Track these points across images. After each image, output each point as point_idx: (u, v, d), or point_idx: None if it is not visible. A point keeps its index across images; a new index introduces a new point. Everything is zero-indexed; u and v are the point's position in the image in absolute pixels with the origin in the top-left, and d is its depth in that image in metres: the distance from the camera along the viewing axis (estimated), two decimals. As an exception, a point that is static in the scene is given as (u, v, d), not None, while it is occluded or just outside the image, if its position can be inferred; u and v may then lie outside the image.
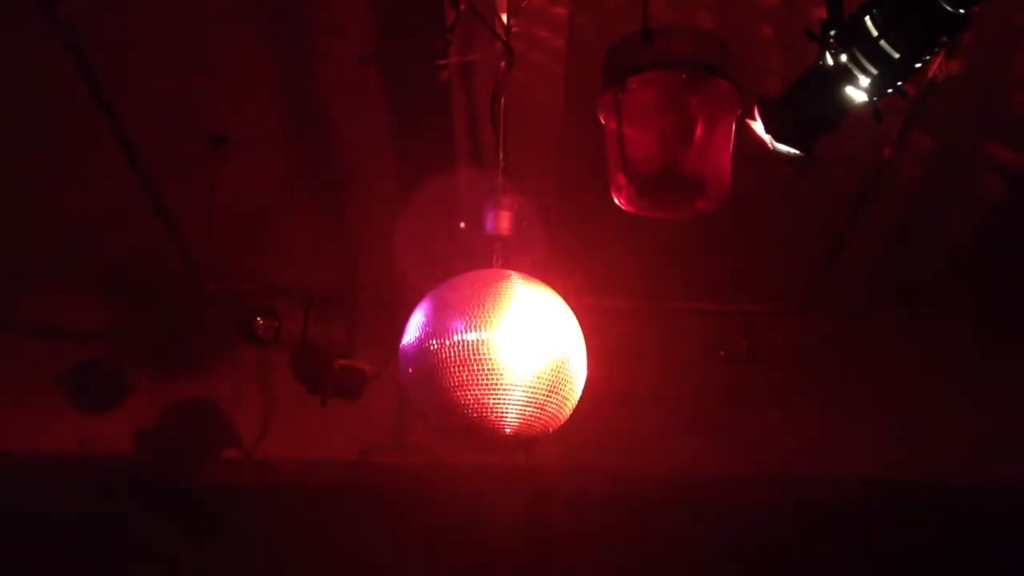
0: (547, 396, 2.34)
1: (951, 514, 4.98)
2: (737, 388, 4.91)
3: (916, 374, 4.95)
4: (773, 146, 2.23)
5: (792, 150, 2.22)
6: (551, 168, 3.72)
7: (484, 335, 2.30)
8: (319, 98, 3.54)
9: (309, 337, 4.66)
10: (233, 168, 3.80)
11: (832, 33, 2.04)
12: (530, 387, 2.31)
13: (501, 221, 2.58)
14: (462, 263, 2.51)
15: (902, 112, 3.20)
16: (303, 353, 4.66)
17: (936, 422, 4.91)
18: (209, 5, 3.13)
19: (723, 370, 4.80)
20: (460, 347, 2.29)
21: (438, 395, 2.31)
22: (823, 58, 2.06)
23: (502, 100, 2.72)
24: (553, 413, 2.37)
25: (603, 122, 2.56)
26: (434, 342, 2.32)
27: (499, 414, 2.30)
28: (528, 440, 2.39)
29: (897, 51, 1.96)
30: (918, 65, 1.99)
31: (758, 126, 2.23)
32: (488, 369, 2.28)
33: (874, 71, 2.00)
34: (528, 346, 2.32)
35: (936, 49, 1.98)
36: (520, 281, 2.43)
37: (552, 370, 2.34)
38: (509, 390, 2.29)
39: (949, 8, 1.90)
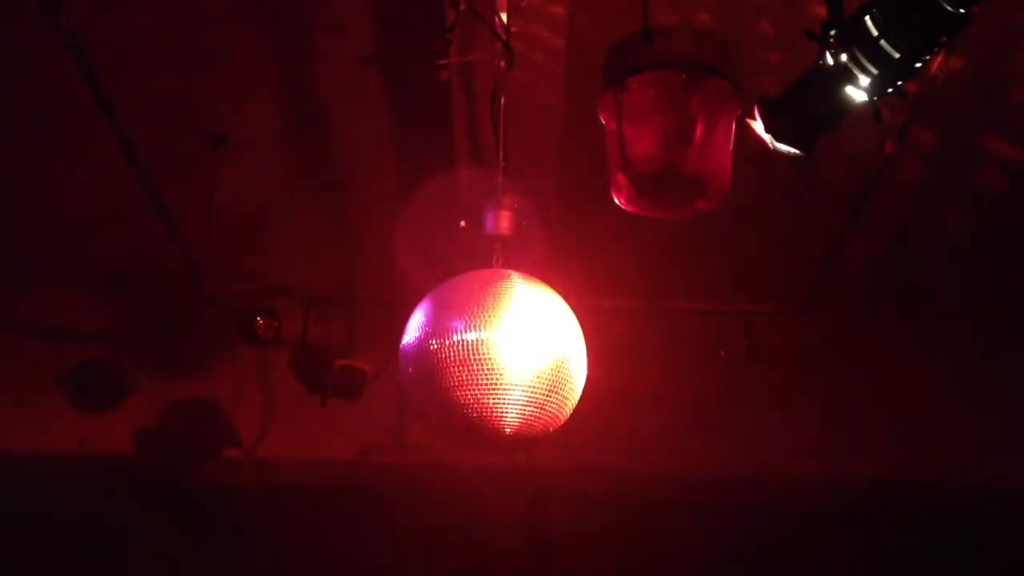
0: (547, 396, 2.34)
1: (951, 514, 4.98)
2: (737, 388, 4.91)
3: (916, 374, 4.95)
4: (773, 146, 2.23)
5: (792, 150, 2.22)
6: (551, 168, 3.73)
7: (484, 335, 2.30)
8: (319, 98, 3.55)
9: (309, 337, 4.66)
10: (233, 168, 3.80)
11: (832, 33, 2.04)
12: (530, 387, 2.31)
13: (501, 221, 2.58)
14: (462, 263, 2.51)
15: (904, 110, 3.20)
16: (303, 353, 4.66)
17: (936, 422, 4.91)
18: (209, 5, 3.14)
19: (723, 370, 4.80)
20: (460, 347, 2.29)
21: (438, 395, 2.31)
22: (823, 58, 2.06)
23: (502, 100, 2.72)
24: (553, 413, 2.37)
25: (603, 122, 2.56)
26: (434, 342, 2.32)
27: (499, 414, 2.30)
28: (528, 440, 2.39)
29: (897, 51, 1.97)
30: (918, 65, 1.99)
31: (758, 126, 2.23)
32: (488, 369, 2.28)
33: (874, 71, 2.00)
34: (528, 346, 2.32)
35: (936, 49, 1.98)
36: (520, 281, 2.43)
37: (552, 370, 2.34)
38: (509, 390, 2.29)
39: (949, 8, 1.90)
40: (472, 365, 2.28)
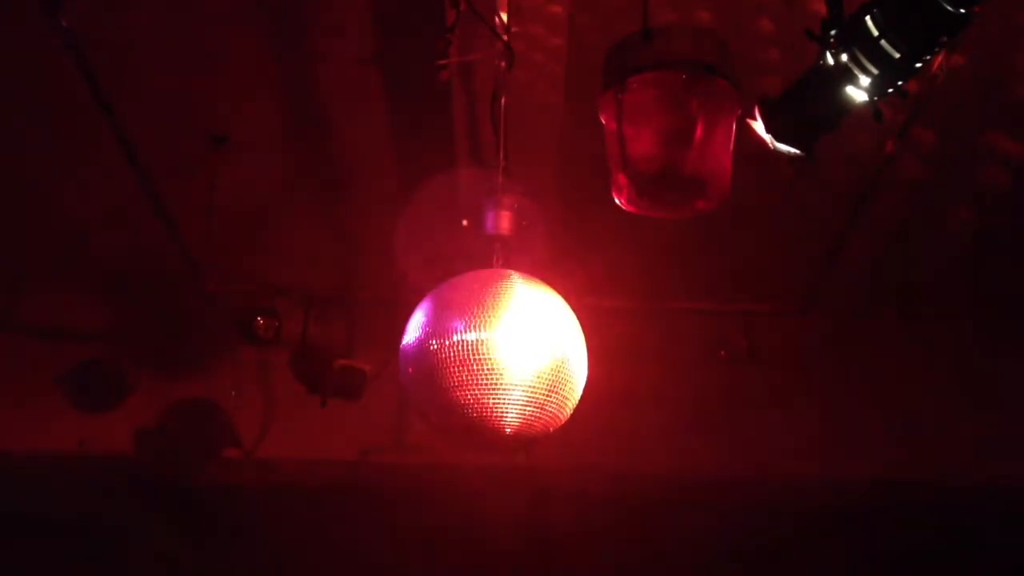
0: (547, 396, 2.34)
1: (951, 514, 4.98)
2: (737, 388, 4.91)
3: (916, 374, 4.95)
4: (773, 146, 2.23)
5: (792, 150, 2.22)
6: (551, 168, 3.73)
7: (484, 335, 2.30)
8: (319, 98, 3.54)
9: (309, 337, 4.66)
10: (233, 168, 3.80)
11: (832, 33, 2.04)
12: (530, 387, 2.31)
13: (501, 221, 2.58)
14: (462, 263, 2.51)
15: (905, 109, 3.20)
16: (303, 353, 4.66)
17: (936, 422, 4.90)
18: (209, 5, 3.13)
19: (723, 370, 4.80)
20: (460, 347, 2.29)
21: (438, 395, 2.31)
22: (823, 58, 2.06)
23: (502, 100, 2.72)
24: (553, 413, 2.37)
25: (603, 122, 2.56)
26: (434, 342, 2.32)
27: (499, 414, 2.30)
28: (528, 440, 2.39)
29: (897, 51, 1.96)
30: (918, 65, 1.99)
31: (758, 126, 2.23)
32: (488, 369, 2.28)
33: (874, 71, 2.00)
34: (528, 346, 2.32)
35: (936, 49, 1.98)
36: (520, 281, 2.43)
37: (552, 370, 2.34)
38: (509, 390, 2.29)
39: (949, 8, 1.90)
40: (472, 365, 2.28)
